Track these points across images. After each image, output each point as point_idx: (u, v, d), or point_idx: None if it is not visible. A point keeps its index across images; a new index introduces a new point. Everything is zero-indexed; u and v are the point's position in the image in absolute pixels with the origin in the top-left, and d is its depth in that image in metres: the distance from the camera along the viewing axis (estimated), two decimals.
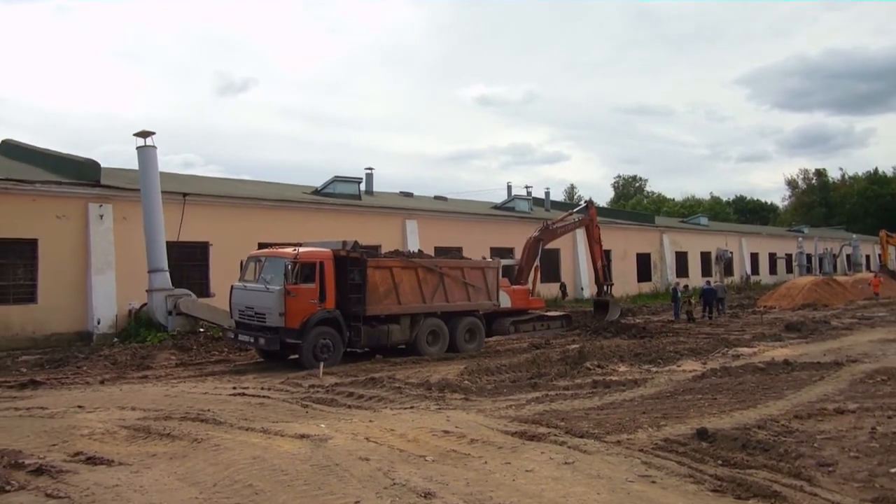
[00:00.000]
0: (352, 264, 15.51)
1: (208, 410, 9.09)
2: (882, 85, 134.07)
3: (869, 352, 15.45)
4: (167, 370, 14.39)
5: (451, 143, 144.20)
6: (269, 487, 5.82)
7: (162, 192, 19.57)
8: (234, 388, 11.40)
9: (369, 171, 34.55)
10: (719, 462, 6.53)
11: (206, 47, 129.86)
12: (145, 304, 19.26)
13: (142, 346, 16.88)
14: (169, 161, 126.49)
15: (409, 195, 38.37)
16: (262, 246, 19.43)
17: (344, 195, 29.36)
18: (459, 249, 27.77)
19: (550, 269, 35.25)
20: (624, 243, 41.07)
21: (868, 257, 65.84)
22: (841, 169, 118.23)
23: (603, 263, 25.79)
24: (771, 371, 12.38)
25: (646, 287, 42.16)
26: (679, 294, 26.78)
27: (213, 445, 7.12)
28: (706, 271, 48.31)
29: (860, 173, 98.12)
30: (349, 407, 9.78)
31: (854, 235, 63.51)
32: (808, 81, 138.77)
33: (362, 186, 31.83)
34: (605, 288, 25.63)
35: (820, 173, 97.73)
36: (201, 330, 18.68)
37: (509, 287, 21.66)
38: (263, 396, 10.45)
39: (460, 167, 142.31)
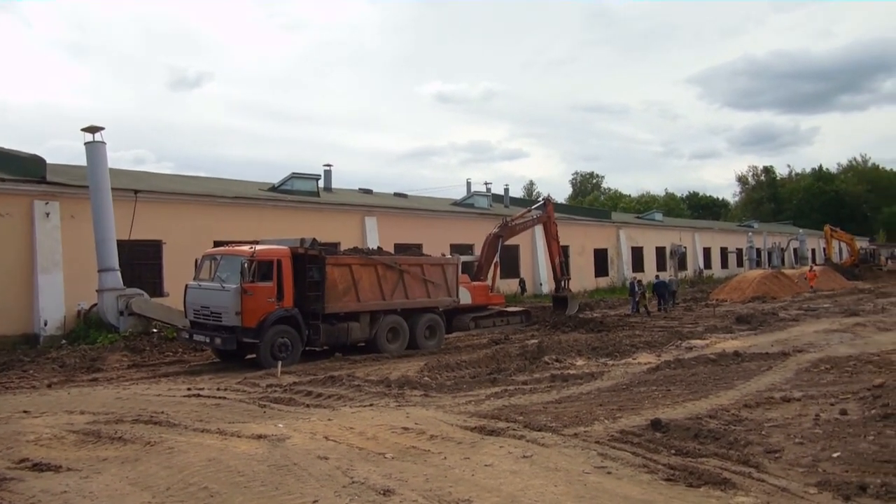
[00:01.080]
0: (310, 262, 15.34)
1: (162, 412, 8.89)
2: (825, 85, 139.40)
3: (814, 342, 16.04)
4: (119, 372, 14.01)
5: (410, 140, 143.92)
6: (224, 489, 5.72)
7: (112, 188, 19.00)
8: (189, 389, 11.17)
9: (328, 168, 34.36)
10: (672, 451, 6.68)
11: (158, 40, 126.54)
12: (95, 304, 18.71)
13: (92, 348, 16.38)
14: (119, 157, 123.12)
15: (368, 192, 38.16)
16: (217, 244, 19.05)
17: (302, 192, 29.02)
18: (419, 246, 27.70)
19: (510, 265, 35.50)
20: (582, 239, 41.66)
21: (814, 251, 68.23)
22: (788, 166, 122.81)
23: (560, 260, 26.13)
24: (722, 362, 12.73)
25: (603, 282, 42.89)
26: (636, 288, 27.30)
27: (167, 448, 6.97)
28: (661, 266, 49.34)
29: (806, 170, 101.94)
30: (308, 406, 9.68)
31: (800, 230, 65.86)
32: (756, 81, 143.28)
33: (321, 183, 31.54)
34: (562, 283, 25.96)
35: (768, 170, 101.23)
36: (155, 330, 18.24)
37: (469, 283, 21.71)
38: (219, 397, 10.26)
39: (420, 164, 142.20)
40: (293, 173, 29.82)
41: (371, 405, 9.56)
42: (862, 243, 64.33)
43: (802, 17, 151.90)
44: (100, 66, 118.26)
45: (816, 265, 54.84)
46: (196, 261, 15.98)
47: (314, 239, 16.00)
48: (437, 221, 33.07)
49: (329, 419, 8.40)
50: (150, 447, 7.04)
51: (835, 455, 6.37)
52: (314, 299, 15.23)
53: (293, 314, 14.95)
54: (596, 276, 42.83)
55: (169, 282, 21.78)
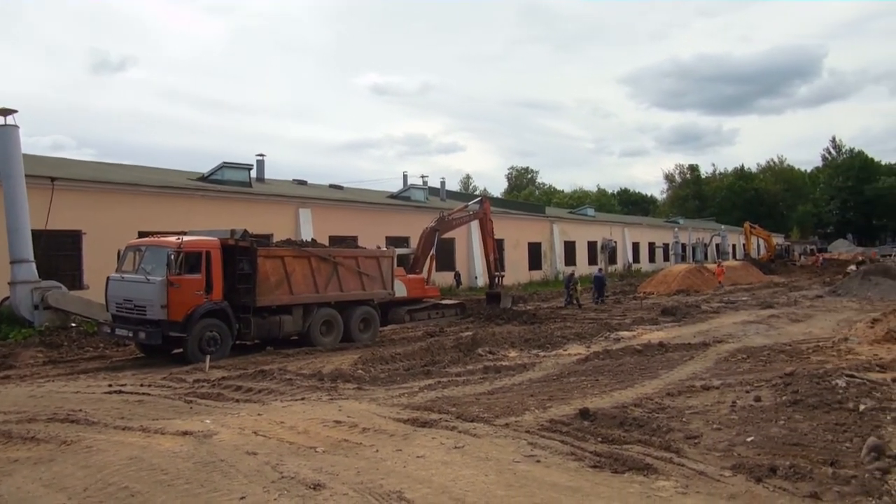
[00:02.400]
0: (241, 254, 15.01)
1: (80, 410, 8.50)
2: (746, 89, 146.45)
3: (732, 333, 16.84)
4: (33, 369, 13.29)
5: (346, 132, 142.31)
6: (146, 489, 5.52)
7: (27, 175, 18.01)
8: (110, 385, 10.72)
9: (261, 158, 33.69)
10: (599, 439, 6.89)
11: (79, 21, 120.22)
12: (7, 297, 17.70)
13: (3, 344, 15.48)
14: (35, 143, 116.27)
15: (302, 183, 37.57)
16: (142, 235, 18.35)
17: (233, 182, 28.32)
18: (355, 239, 27.53)
19: (445, 258, 35.68)
20: (516, 233, 42.28)
21: (734, 246, 71.62)
22: (713, 165, 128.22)
23: (495, 256, 26.42)
24: (648, 353, 13.21)
25: (536, 275, 43.69)
26: (571, 282, 27.95)
27: (85, 447, 6.67)
28: (592, 260, 50.68)
29: (728, 169, 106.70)
30: (237, 401, 9.48)
31: (722, 226, 68.97)
32: (682, 83, 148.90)
33: (253, 173, 30.86)
34: (496, 280, 26.26)
35: (693, 168, 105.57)
36: (73, 325, 17.41)
37: (405, 276, 21.73)
38: (143, 393, 9.90)
39: (356, 156, 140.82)
40: (224, 163, 29.05)
41: (303, 399, 9.44)
42: (778, 240, 67.87)
43: (724, 22, 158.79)
44: (11, 45, 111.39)
45: (736, 260, 57.57)
46: (119, 252, 15.34)
47: (245, 230, 15.64)
48: (372, 214, 32.90)
49: (259, 414, 8.24)
50: (67, 447, 6.72)
51: (749, 440, 6.71)
52: (245, 292, 14.91)
53: (223, 307, 14.58)
54: (530, 269, 43.60)
55: (89, 274, 20.87)
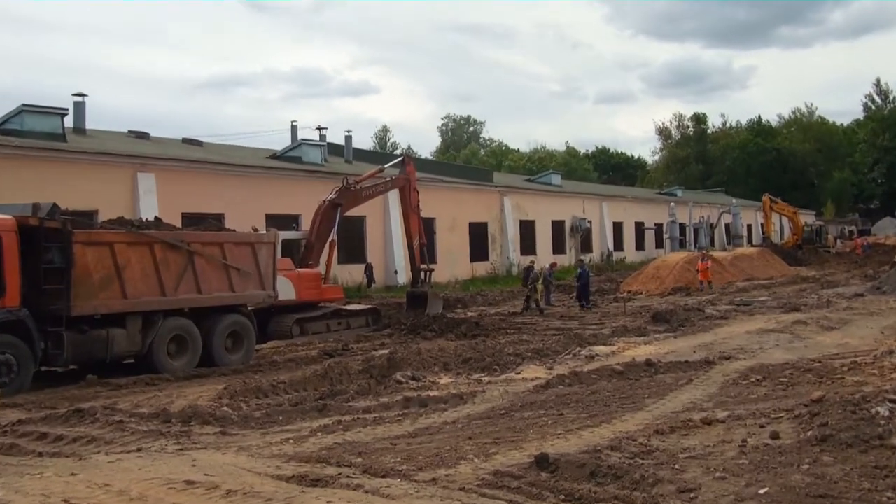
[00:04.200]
0: (48, 239, 14.73)
1: None
2: (763, 12, 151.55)
3: (745, 346, 17.49)
4: None
5: (209, 64, 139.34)
6: None
7: None
8: None
9: (80, 99, 33.19)
10: (562, 497, 6.99)
11: None
12: None
13: None
14: None
15: (143, 136, 36.74)
16: None
17: (38, 134, 27.77)
18: (220, 217, 27.27)
19: (352, 245, 35.57)
20: (453, 209, 42.60)
21: (750, 227, 74.37)
22: (722, 116, 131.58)
23: (422, 242, 26.54)
24: (631, 375, 13.53)
25: (481, 268, 44.20)
26: (530, 278, 28.32)
27: None
28: (558, 247, 51.66)
29: (742, 122, 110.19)
30: (40, 455, 9.27)
31: (734, 200, 71.44)
32: (679, 3, 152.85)
33: (69, 121, 30.42)
34: (422, 276, 26.37)
35: (699, 119, 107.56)
36: None
37: (293, 271, 21.61)
38: None
39: (222, 98, 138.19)
40: (24, 106, 28.35)
41: (139, 450, 9.28)
42: (807, 218, 70.63)
43: None
44: None
45: (752, 245, 59.72)
46: None
47: (55, 204, 15.23)
48: (246, 182, 32.54)
49: (73, 473, 8.04)
50: None
51: (762, 491, 6.94)
52: (54, 295, 14.61)
53: (20, 317, 14.23)
54: (472, 260, 44.08)
55: None
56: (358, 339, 21.29)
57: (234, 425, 10.79)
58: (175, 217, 24.09)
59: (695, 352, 16.69)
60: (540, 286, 28.53)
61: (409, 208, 26.29)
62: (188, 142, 38.90)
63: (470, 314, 27.63)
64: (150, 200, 28.02)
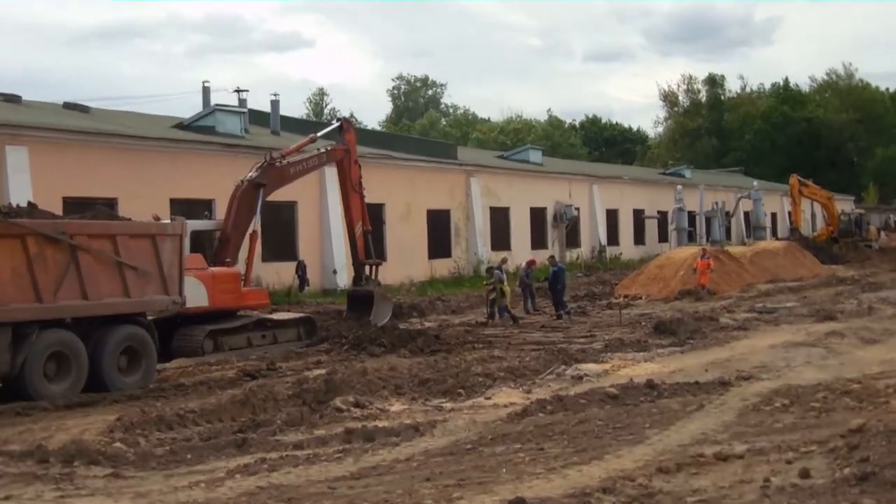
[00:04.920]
0: None
1: None
2: None
3: (768, 363, 17.66)
4: None
5: (97, 8, 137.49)
6: None
7: None
8: None
9: None
10: None
11: None
12: None
13: None
14: None
15: (14, 100, 36.14)
16: None
17: None
18: (111, 203, 27.05)
19: (281, 238, 35.38)
20: (407, 193, 42.57)
21: (775, 216, 75.15)
22: (740, 78, 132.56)
23: (366, 228, 26.45)
24: (628, 400, 13.62)
25: (442, 267, 44.17)
26: (495, 277, 28.28)
27: None
28: (539, 241, 51.86)
29: (765, 86, 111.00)
30: None
31: (755, 182, 72.04)
32: None
33: None
34: (368, 271, 26.32)
35: (714, 81, 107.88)
36: None
37: (205, 271, 21.44)
38: None
39: (114, 52, 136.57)
40: None
41: (8, 499, 9.18)
42: (844, 205, 71.15)
43: None
44: None
45: (777, 239, 60.19)
46: None
47: None
48: (145, 158, 32.25)
49: None
50: None
51: None
52: None
53: None
54: (431, 256, 44.06)
55: None
56: (287, 355, 21.18)
57: (129, 465, 10.71)
58: (54, 202, 23.76)
59: (707, 370, 16.84)
60: (506, 288, 28.42)
61: (350, 186, 26.16)
62: (71, 107, 38.22)
63: (428, 324, 27.58)
64: (22, 181, 27.53)
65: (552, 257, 33.82)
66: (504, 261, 32.11)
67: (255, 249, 23.95)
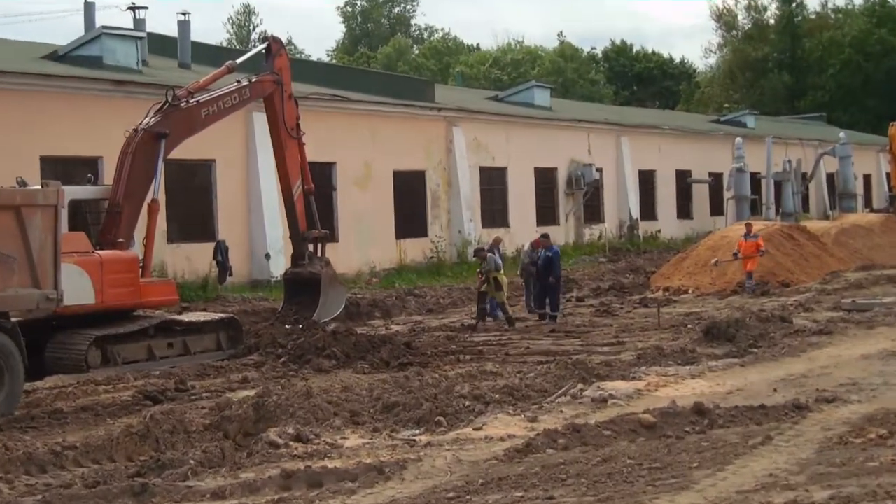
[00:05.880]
0: None
1: None
2: None
3: (860, 380, 17.59)
4: None
5: None
6: None
7: None
8: None
9: None
10: None
11: None
12: None
13: None
14: None
15: None
16: None
17: None
18: None
19: (193, 210, 35.28)
20: (366, 148, 42.46)
21: (868, 179, 75.13)
22: None
23: (308, 188, 26.31)
24: (669, 430, 13.56)
25: (415, 249, 44.20)
26: (486, 264, 28.22)
27: None
28: (546, 214, 51.75)
29: (854, 1, 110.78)
30: None
31: (842, 133, 71.88)
32: None
33: None
34: (310, 248, 26.21)
35: None
36: None
37: (91, 256, 21.40)
38: None
39: None
40: None
41: None
42: None
43: None
44: None
45: (871, 210, 60.06)
46: None
47: None
48: (6, 101, 32.20)
49: None
50: None
51: None
52: None
53: None
54: (400, 235, 43.99)
55: None
56: (202, 371, 21.14)
57: None
58: None
59: (776, 390, 16.81)
60: (503, 278, 28.21)
61: (283, 131, 25.92)
62: None
63: (396, 328, 27.58)
64: None
65: (545, 236, 31.97)
66: (498, 241, 31.99)
67: (155, 225, 23.78)
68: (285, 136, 26.12)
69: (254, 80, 26.29)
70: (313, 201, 26.62)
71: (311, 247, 26.31)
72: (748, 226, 37.40)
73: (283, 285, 27.28)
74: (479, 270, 28.91)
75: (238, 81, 26.21)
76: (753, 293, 33.48)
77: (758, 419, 14.10)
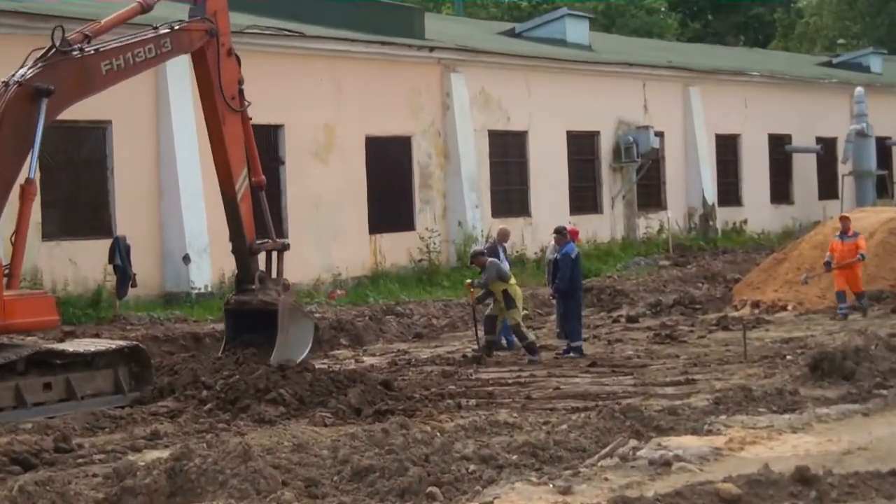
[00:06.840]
0: None
1: None
2: None
3: None
4: None
5: None
6: None
7: None
8: None
9: None
10: None
11: None
12: None
13: None
14: None
15: None
16: None
17: None
18: None
19: (81, 195, 35.31)
20: (328, 104, 42.58)
21: None
22: None
23: (258, 181, 26.00)
24: None
25: (397, 249, 44.31)
26: (488, 273, 28.16)
27: None
28: (584, 197, 51.79)
29: None
30: None
31: None
32: None
33: None
34: (262, 264, 26.22)
35: None
36: None
37: None
38: None
39: None
40: None
41: None
42: None
43: None
44: None
45: None
46: None
47: None
48: None
49: None
50: None
51: None
52: None
53: None
54: (375, 229, 44.03)
55: None
56: (95, 423, 21.11)
57: None
58: None
59: None
60: (515, 289, 27.97)
61: (221, 100, 25.70)
62: None
63: (370, 361, 27.66)
64: None
65: (560, 231, 31.07)
66: (504, 236, 31.64)
67: (28, 215, 23.67)
68: (223, 108, 25.44)
69: (177, 27, 25.51)
70: (264, 198, 26.32)
71: (262, 264, 26.03)
72: (844, 221, 36.31)
73: (225, 319, 26.82)
74: (470, 282, 28.80)
75: (155, 28, 25.64)
76: (846, 309, 33.34)
77: (888, 490, 14.02)
